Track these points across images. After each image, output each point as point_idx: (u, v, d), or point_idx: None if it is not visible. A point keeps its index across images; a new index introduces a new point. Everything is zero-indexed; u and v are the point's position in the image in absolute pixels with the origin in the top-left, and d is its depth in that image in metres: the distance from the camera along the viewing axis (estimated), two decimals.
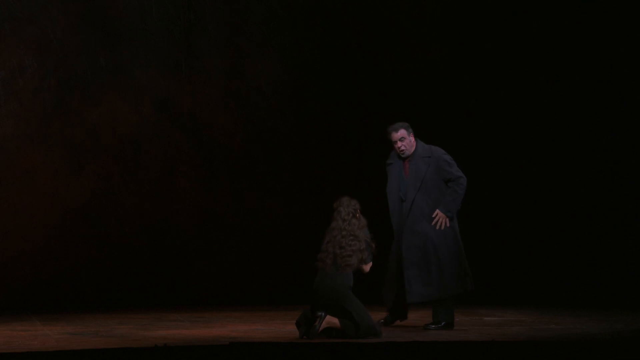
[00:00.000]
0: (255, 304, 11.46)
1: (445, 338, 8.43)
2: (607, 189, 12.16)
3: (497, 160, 12.32)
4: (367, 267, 8.52)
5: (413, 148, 9.24)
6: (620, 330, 8.96)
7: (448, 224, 9.14)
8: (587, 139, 12.24)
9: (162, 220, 11.94)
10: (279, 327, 9.43)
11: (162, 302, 11.61)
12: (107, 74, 11.77)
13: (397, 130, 9.24)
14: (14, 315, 10.55)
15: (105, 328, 9.43)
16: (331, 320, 8.38)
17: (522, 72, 12.38)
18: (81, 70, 11.72)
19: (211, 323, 9.75)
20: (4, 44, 11.51)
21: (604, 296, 11.63)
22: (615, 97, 12.18)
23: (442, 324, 9.20)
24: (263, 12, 12.14)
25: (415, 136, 9.29)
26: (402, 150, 9.22)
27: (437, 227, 9.11)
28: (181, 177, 11.99)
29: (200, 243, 11.99)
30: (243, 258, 12.02)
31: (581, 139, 12.26)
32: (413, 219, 9.16)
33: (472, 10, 12.43)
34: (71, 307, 11.15)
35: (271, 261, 12.02)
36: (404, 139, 9.22)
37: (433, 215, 9.12)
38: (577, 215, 12.19)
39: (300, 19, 12.23)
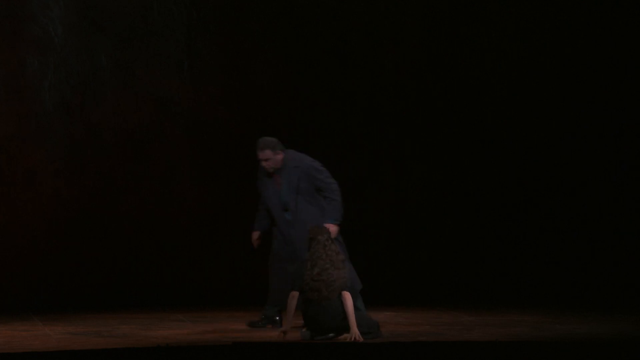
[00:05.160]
0: (258, 304, 11.43)
1: (448, 338, 8.40)
2: (615, 188, 12.12)
3: (496, 158, 12.27)
4: (346, 295, 8.37)
5: (280, 163, 9.29)
6: (625, 331, 8.92)
7: (338, 232, 9.14)
8: (592, 138, 12.20)
9: (164, 219, 11.90)
10: (280, 327, 9.36)
11: (164, 301, 11.56)
12: (109, 73, 11.74)
13: (262, 150, 9.32)
14: (15, 315, 10.52)
15: (107, 328, 9.41)
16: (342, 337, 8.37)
17: (517, 72, 12.33)
18: (82, 68, 11.70)
19: (214, 323, 9.72)
20: (4, 43, 11.48)
21: (608, 296, 11.58)
22: (613, 97, 12.11)
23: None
24: (265, 10, 12.11)
25: (284, 148, 9.31)
26: (267, 168, 9.32)
27: (333, 237, 9.02)
28: (183, 176, 11.95)
29: (202, 242, 11.95)
30: (245, 258, 11.98)
31: (585, 138, 12.22)
32: (297, 227, 9.17)
33: (472, 10, 12.41)
34: (72, 307, 11.10)
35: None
36: (270, 159, 9.30)
37: (327, 228, 9.01)
38: (582, 215, 12.15)
39: (304, 17, 12.20)
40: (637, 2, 12.03)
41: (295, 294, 8.42)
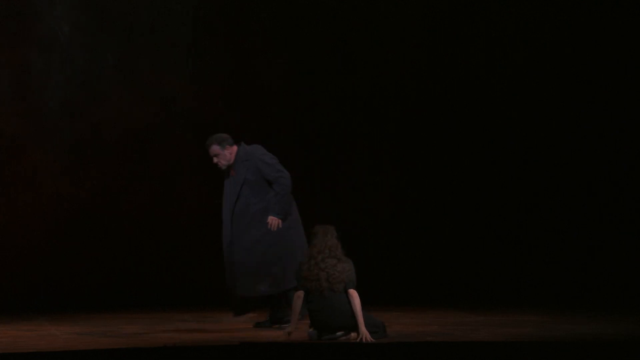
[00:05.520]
0: (265, 304, 11.40)
1: (456, 338, 8.37)
2: (615, 188, 12.11)
3: (497, 158, 12.26)
4: (353, 292, 8.32)
5: (231, 159, 9.21)
6: (631, 330, 8.89)
7: (281, 225, 9.08)
8: (592, 138, 12.19)
9: (168, 218, 11.88)
10: (287, 326, 9.32)
11: (166, 301, 11.54)
12: (113, 72, 11.73)
13: (209, 146, 9.25)
14: (21, 315, 10.50)
15: (113, 328, 9.37)
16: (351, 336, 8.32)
17: (517, 72, 12.31)
18: (87, 67, 11.68)
19: (220, 323, 9.69)
20: (9, 41, 11.47)
21: (611, 296, 11.56)
22: (613, 97, 12.10)
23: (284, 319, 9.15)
24: (269, 10, 12.09)
25: (237, 142, 9.25)
26: (219, 165, 9.25)
27: (272, 230, 9.04)
28: (187, 175, 11.94)
29: (206, 242, 11.91)
30: None
31: (586, 137, 12.21)
32: (242, 220, 9.13)
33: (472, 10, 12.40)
34: (78, 307, 11.08)
35: None
36: (218, 155, 9.22)
37: (268, 221, 9.06)
38: (584, 215, 12.13)
39: (306, 16, 12.18)
40: (637, 2, 12.04)
41: (300, 294, 8.37)
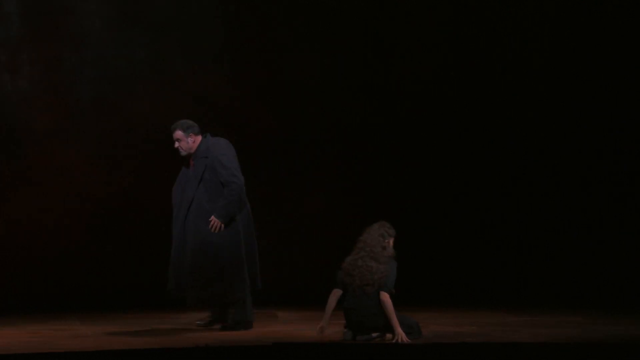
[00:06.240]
0: (298, 304, 11.30)
1: (495, 339, 8.21)
2: None
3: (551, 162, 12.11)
4: (384, 296, 8.15)
5: (193, 147, 9.12)
6: None
7: (223, 228, 8.95)
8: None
9: None
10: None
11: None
12: (146, 67, 11.68)
13: (174, 130, 9.16)
14: (52, 314, 10.49)
15: (145, 328, 9.35)
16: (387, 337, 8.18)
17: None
18: (119, 63, 11.65)
19: (253, 323, 9.58)
20: (41, 37, 11.46)
21: None
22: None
23: (237, 323, 9.02)
24: (304, 4, 11.99)
25: (199, 133, 9.13)
26: (180, 151, 9.15)
27: (213, 231, 8.93)
28: None
29: None
30: (284, 257, 11.86)
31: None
32: (194, 219, 9.00)
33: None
34: (110, 306, 11.03)
35: (315, 261, 11.85)
36: (181, 140, 9.13)
37: (209, 220, 8.93)
38: (629, 214, 11.92)
39: (341, 10, 12.07)
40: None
41: (336, 292, 8.25)
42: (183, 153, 9.18)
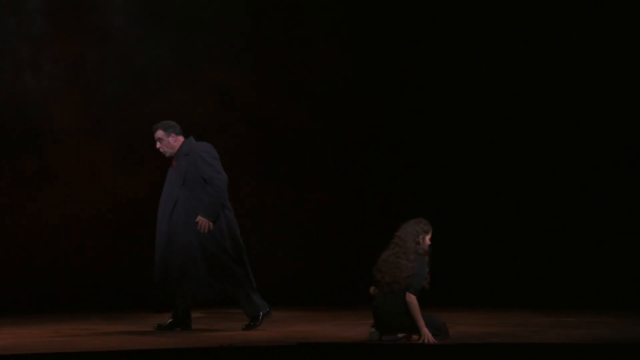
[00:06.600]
0: (323, 303, 11.24)
1: (523, 339, 8.11)
2: None
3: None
4: (409, 297, 8.05)
5: (175, 147, 9.03)
6: None
7: (212, 227, 8.84)
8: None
9: None
10: (348, 327, 9.17)
11: (228, 301, 11.36)
12: (170, 65, 11.64)
13: (155, 130, 9.08)
14: (76, 313, 10.48)
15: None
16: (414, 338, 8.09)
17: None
18: (143, 60, 11.61)
19: (278, 323, 9.52)
20: (65, 34, 11.45)
21: None
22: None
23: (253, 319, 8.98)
24: (329, 1, 11.92)
25: (181, 133, 9.04)
26: (161, 151, 9.08)
27: (202, 231, 8.81)
28: (245, 171, 11.80)
29: (263, 241, 11.78)
30: (309, 256, 11.80)
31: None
32: (178, 218, 8.89)
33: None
34: (134, 305, 10.98)
35: (340, 260, 11.79)
36: (162, 140, 9.05)
37: (196, 220, 8.82)
38: None
39: (368, 8, 11.98)
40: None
41: (373, 290, 8.18)
42: (166, 153, 9.11)
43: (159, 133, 9.07)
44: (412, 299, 7.97)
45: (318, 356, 7.46)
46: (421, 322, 7.94)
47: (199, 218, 8.84)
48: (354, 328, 9.00)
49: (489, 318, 9.76)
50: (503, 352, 7.54)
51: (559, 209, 11.98)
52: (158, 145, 9.10)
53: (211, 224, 8.86)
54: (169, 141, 9.07)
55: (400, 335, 8.07)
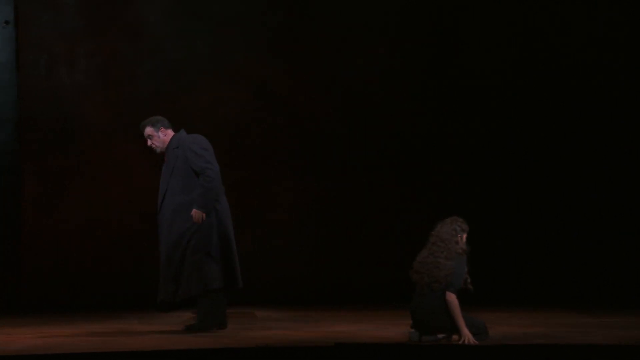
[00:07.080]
0: (361, 302, 11.11)
1: (567, 341, 7.95)
2: None
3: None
4: (449, 296, 7.87)
5: (166, 142, 8.87)
6: None
7: (205, 219, 8.65)
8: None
9: (260, 211, 11.64)
10: (386, 326, 9.06)
11: (264, 300, 11.27)
12: (204, 60, 11.56)
13: (143, 128, 8.93)
14: (110, 313, 10.43)
15: None
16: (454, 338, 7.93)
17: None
18: (177, 55, 11.54)
19: (315, 323, 9.42)
20: (99, 29, 11.41)
21: None
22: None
23: (206, 322, 8.73)
24: None
25: (170, 127, 8.89)
26: (152, 148, 8.92)
27: (197, 222, 8.63)
28: (281, 165, 11.72)
29: (301, 236, 11.68)
30: (347, 253, 11.68)
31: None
32: (167, 212, 8.73)
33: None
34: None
35: (378, 257, 11.67)
36: (152, 136, 8.89)
37: (192, 214, 8.64)
38: None
39: (406, 2, 11.86)
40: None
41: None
42: (157, 149, 8.96)
43: (148, 130, 8.92)
44: (452, 297, 7.83)
45: (356, 357, 7.34)
46: (462, 322, 7.80)
47: (193, 211, 8.67)
48: (392, 328, 8.87)
49: (530, 318, 9.63)
50: (545, 354, 7.39)
51: (601, 211, 11.83)
52: (149, 142, 8.95)
53: (204, 215, 8.68)
54: (159, 136, 8.91)
55: (440, 335, 7.94)
